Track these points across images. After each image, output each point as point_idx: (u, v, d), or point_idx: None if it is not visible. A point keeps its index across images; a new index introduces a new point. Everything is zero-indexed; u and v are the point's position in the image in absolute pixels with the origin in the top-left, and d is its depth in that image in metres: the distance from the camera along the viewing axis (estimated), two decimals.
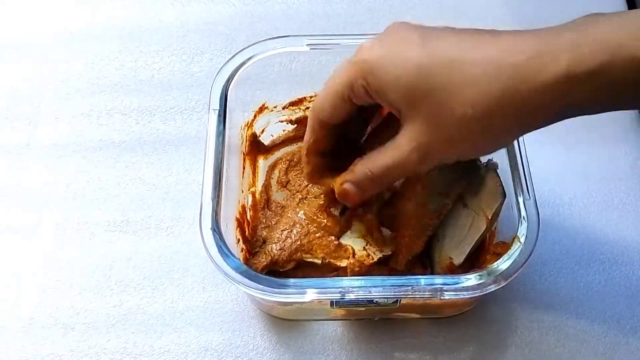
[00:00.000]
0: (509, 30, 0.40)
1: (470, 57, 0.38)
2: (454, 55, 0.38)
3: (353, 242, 0.52)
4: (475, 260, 0.53)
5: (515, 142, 0.52)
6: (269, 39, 0.56)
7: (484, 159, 0.55)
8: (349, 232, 0.52)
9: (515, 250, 0.47)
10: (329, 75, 0.45)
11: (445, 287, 0.46)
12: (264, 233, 0.56)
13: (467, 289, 0.46)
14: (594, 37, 0.37)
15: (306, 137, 0.48)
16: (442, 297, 0.47)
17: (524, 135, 0.52)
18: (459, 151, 0.42)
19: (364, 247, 0.51)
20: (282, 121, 0.61)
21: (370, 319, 0.56)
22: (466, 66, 0.38)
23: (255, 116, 0.60)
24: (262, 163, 0.62)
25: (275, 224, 0.56)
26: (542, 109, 0.38)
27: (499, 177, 0.51)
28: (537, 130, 0.66)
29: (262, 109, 0.60)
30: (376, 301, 0.50)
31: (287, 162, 0.60)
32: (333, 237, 0.52)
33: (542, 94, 0.37)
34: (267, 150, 0.62)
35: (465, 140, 0.40)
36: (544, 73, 0.37)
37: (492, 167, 0.52)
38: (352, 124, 0.47)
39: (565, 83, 0.37)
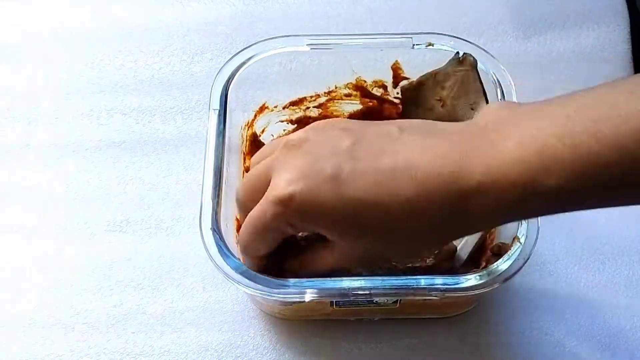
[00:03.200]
0: (417, 133, 0.41)
1: (392, 200, 0.39)
2: (376, 200, 0.39)
3: None
4: (475, 261, 0.53)
5: None
6: (269, 39, 0.56)
7: None
8: None
9: (515, 251, 0.47)
10: (248, 216, 0.44)
11: (445, 287, 0.46)
12: None
13: (467, 289, 0.46)
14: (509, 165, 0.37)
15: (250, 265, 0.48)
16: (442, 297, 0.47)
17: None
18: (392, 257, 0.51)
19: None
20: (282, 121, 0.61)
21: (370, 319, 0.56)
22: (392, 210, 0.39)
23: (255, 116, 0.60)
24: None
25: None
26: (474, 231, 0.44)
27: None
28: None
29: (262, 108, 0.60)
30: (376, 301, 0.50)
31: None
32: None
33: (469, 224, 0.40)
34: None
35: (399, 253, 0.47)
36: (466, 212, 0.38)
37: None
38: None
39: (487, 217, 0.39)
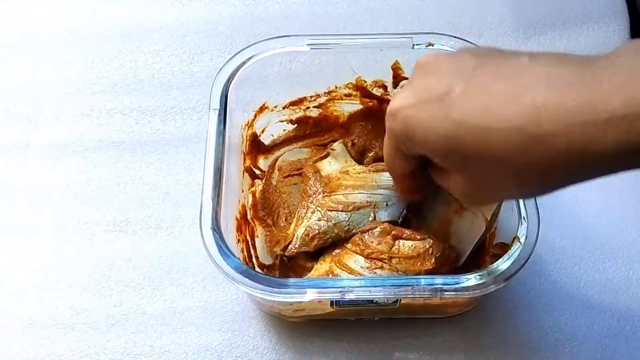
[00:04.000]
0: (544, 62, 0.35)
1: (500, 126, 0.35)
2: (481, 124, 0.35)
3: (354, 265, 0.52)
4: (475, 261, 0.53)
5: None
6: (269, 39, 0.56)
7: None
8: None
9: (515, 251, 0.47)
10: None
11: (445, 287, 0.46)
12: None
13: (467, 289, 0.46)
14: None
15: (397, 186, 0.49)
16: (442, 297, 0.47)
17: None
18: (500, 200, 0.47)
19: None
20: (282, 121, 0.61)
21: (370, 319, 0.56)
22: (496, 138, 0.35)
23: (255, 116, 0.60)
24: (263, 163, 0.62)
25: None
26: (588, 177, 0.36)
27: None
28: None
29: (262, 108, 0.60)
30: (376, 301, 0.50)
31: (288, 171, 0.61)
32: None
33: (589, 166, 0.34)
34: (267, 150, 0.62)
35: (505, 194, 0.41)
36: (587, 148, 0.33)
37: None
38: None
39: (616, 156, 0.33)
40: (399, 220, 0.54)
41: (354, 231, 0.53)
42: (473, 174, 0.38)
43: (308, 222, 0.54)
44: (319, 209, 0.54)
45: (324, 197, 0.54)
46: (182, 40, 0.72)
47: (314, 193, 0.55)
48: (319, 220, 0.53)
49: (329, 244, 0.53)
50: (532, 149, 0.34)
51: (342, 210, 0.53)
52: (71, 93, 0.69)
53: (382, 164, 0.54)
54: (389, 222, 0.53)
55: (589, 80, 0.33)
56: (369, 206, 0.53)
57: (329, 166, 0.57)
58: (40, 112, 0.68)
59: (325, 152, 0.58)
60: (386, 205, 0.54)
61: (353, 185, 0.54)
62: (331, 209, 0.53)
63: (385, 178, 0.54)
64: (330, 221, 0.53)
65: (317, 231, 0.53)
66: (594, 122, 0.32)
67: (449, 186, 0.42)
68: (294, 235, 0.54)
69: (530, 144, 0.34)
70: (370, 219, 0.54)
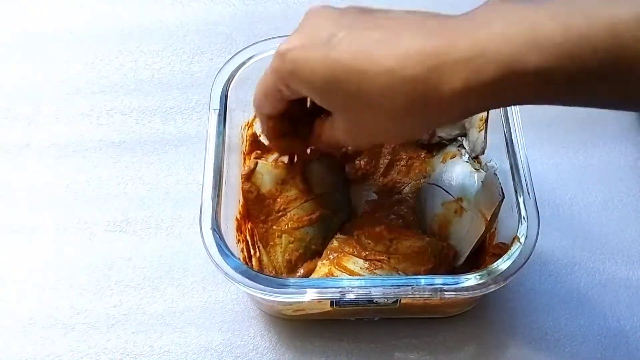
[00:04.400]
0: (417, 16, 0.40)
1: (372, 68, 0.38)
2: (357, 66, 0.39)
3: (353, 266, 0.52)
4: (475, 261, 0.53)
5: (516, 142, 0.52)
6: (269, 38, 0.56)
7: (483, 160, 0.55)
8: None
9: (515, 251, 0.47)
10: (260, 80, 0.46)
11: (445, 287, 0.46)
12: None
13: (467, 289, 0.46)
14: (492, 41, 0.36)
15: (262, 126, 0.50)
16: (442, 297, 0.47)
17: (524, 136, 0.52)
18: (379, 140, 0.50)
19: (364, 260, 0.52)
20: None
21: (370, 319, 0.56)
22: (369, 79, 0.38)
23: (255, 116, 0.60)
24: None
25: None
26: (449, 114, 0.40)
27: (498, 179, 0.51)
28: (537, 130, 0.66)
29: None
30: (376, 301, 0.50)
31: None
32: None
33: (445, 104, 0.38)
34: (267, 150, 0.61)
35: (383, 134, 0.43)
36: (441, 88, 0.37)
37: (490, 169, 0.52)
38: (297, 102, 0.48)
39: (464, 96, 0.37)
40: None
41: (330, 237, 0.54)
42: (352, 115, 0.41)
43: (281, 248, 0.54)
44: (285, 233, 0.54)
45: (280, 217, 0.55)
46: (182, 40, 0.72)
47: (267, 216, 0.55)
48: (291, 243, 0.54)
49: (314, 254, 0.54)
50: (399, 91, 0.38)
51: (308, 225, 0.54)
52: (71, 93, 0.69)
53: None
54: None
55: (447, 29, 0.38)
56: (328, 213, 0.54)
57: (264, 178, 0.55)
58: (40, 112, 0.68)
59: (252, 165, 0.56)
60: (341, 202, 0.56)
61: (299, 194, 0.54)
62: (296, 227, 0.54)
63: (316, 167, 0.55)
64: (303, 239, 0.54)
65: (296, 254, 0.54)
66: (447, 65, 0.36)
67: (332, 129, 0.45)
68: (276, 267, 0.55)
69: (398, 86, 0.37)
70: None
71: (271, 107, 0.46)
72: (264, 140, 0.61)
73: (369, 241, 0.52)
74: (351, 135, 0.43)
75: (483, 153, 0.54)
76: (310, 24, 0.42)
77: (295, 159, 0.55)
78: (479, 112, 0.42)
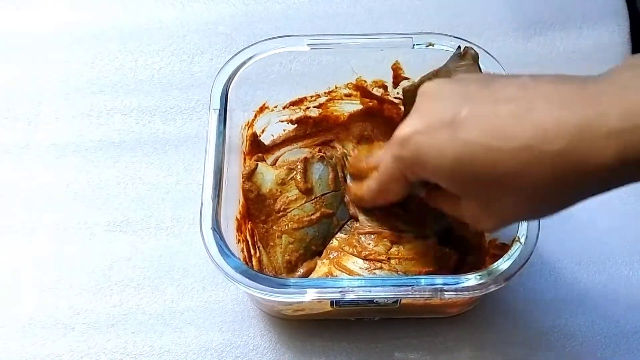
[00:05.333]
0: (546, 82, 0.36)
1: (508, 145, 0.35)
2: (490, 144, 0.36)
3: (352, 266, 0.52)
4: (475, 262, 0.53)
5: None
6: (269, 39, 0.56)
7: None
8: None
9: (515, 251, 0.47)
10: (378, 168, 0.45)
11: (445, 287, 0.46)
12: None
13: (467, 289, 0.46)
14: None
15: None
16: (442, 297, 0.47)
17: None
18: (515, 221, 0.45)
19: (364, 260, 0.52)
20: (282, 121, 0.61)
21: (370, 319, 0.56)
22: (505, 157, 0.36)
23: (255, 116, 0.60)
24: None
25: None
26: (598, 189, 0.36)
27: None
28: None
29: (262, 108, 0.60)
30: (376, 301, 0.50)
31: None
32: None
33: (595, 178, 0.35)
34: (267, 150, 0.62)
35: (517, 215, 0.41)
36: (590, 162, 0.34)
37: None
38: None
39: (618, 169, 0.33)
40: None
41: (330, 237, 0.54)
42: (484, 197, 0.39)
43: (281, 249, 0.54)
44: (285, 233, 0.54)
45: (280, 217, 0.55)
46: (182, 40, 0.72)
47: (267, 216, 0.55)
48: (291, 243, 0.54)
49: (314, 254, 0.54)
50: (539, 167, 0.35)
51: (308, 226, 0.54)
52: (71, 93, 0.69)
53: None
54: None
55: (589, 97, 0.34)
56: (329, 214, 0.54)
57: (264, 179, 0.56)
58: (40, 112, 0.68)
59: (252, 165, 0.56)
60: (341, 203, 0.55)
61: (299, 195, 0.54)
62: (296, 228, 0.54)
63: (317, 169, 0.55)
64: (303, 240, 0.54)
65: (296, 255, 0.54)
66: (596, 137, 0.33)
67: (461, 214, 0.42)
68: (275, 267, 0.55)
69: (538, 162, 0.35)
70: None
71: (394, 194, 0.45)
72: (264, 140, 0.61)
73: (369, 241, 0.52)
74: (480, 218, 0.41)
75: None
76: (427, 105, 0.40)
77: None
78: (633, 183, 0.36)
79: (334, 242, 0.53)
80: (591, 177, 0.34)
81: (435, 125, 0.38)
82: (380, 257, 0.51)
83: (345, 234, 0.54)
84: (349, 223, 0.56)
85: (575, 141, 0.34)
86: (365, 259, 0.51)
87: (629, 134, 0.32)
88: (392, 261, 0.50)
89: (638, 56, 0.36)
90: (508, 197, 0.37)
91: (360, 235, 0.53)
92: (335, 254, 0.52)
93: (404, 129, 0.40)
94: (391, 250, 0.51)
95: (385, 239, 0.52)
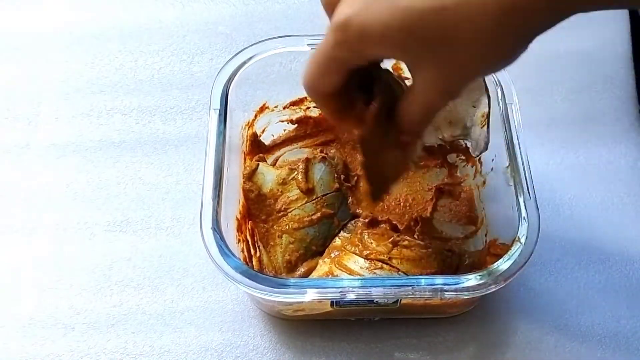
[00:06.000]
0: None
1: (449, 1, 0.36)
2: (434, 3, 0.36)
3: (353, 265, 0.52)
4: (475, 262, 0.54)
5: (515, 143, 0.52)
6: (269, 39, 0.56)
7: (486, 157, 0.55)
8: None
9: (515, 251, 0.47)
10: (312, 53, 0.42)
11: (445, 287, 0.46)
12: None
13: (467, 289, 0.46)
14: None
15: (322, 109, 0.46)
16: (442, 297, 0.47)
17: (524, 136, 0.52)
18: (475, 76, 0.43)
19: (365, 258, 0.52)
20: (282, 121, 0.61)
21: (370, 319, 0.56)
22: (452, 12, 0.36)
23: (256, 116, 0.60)
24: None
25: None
26: (541, 20, 0.39)
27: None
28: (537, 130, 0.66)
29: (262, 108, 0.60)
30: (376, 301, 0.50)
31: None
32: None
33: (536, 11, 0.37)
34: (267, 149, 0.62)
35: (477, 68, 0.40)
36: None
37: None
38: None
39: None
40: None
41: (331, 238, 0.54)
42: (439, 59, 0.38)
43: (281, 248, 0.54)
44: (286, 233, 0.54)
45: (281, 217, 0.55)
46: (182, 40, 0.72)
47: (267, 216, 0.55)
48: (291, 243, 0.54)
49: (314, 254, 0.55)
50: (485, 13, 0.35)
51: (308, 226, 0.54)
52: (71, 93, 0.69)
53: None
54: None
55: None
56: (330, 214, 0.54)
57: (265, 178, 0.56)
58: (40, 112, 0.68)
59: (253, 165, 0.57)
60: (342, 203, 0.56)
61: (300, 195, 0.54)
62: (297, 228, 0.54)
63: (318, 169, 0.55)
64: (304, 240, 0.54)
65: (296, 255, 0.54)
66: None
67: (421, 87, 0.41)
68: (275, 267, 0.55)
69: (483, 8, 0.35)
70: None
71: (330, 82, 0.42)
72: (264, 140, 0.61)
73: (372, 240, 0.52)
74: (441, 86, 0.40)
75: (487, 149, 0.54)
76: None
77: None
78: (568, 16, 0.39)
79: (337, 241, 0.53)
80: (534, 10, 0.36)
81: (373, 1, 0.38)
82: (382, 257, 0.51)
83: (348, 233, 0.54)
84: (352, 222, 0.56)
85: None
86: (366, 258, 0.51)
87: None
88: (394, 261, 0.51)
89: None
90: (462, 50, 0.38)
91: (363, 235, 0.53)
92: (337, 253, 0.52)
93: (342, 12, 0.39)
94: (393, 250, 0.51)
95: (388, 240, 0.52)
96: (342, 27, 0.39)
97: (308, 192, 0.55)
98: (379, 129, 0.44)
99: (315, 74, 0.42)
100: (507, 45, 0.39)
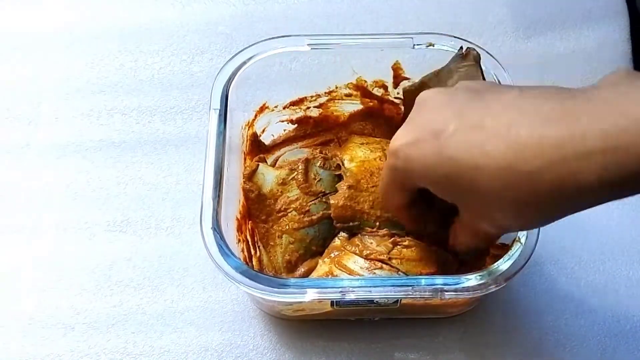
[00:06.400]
0: (531, 96, 0.37)
1: (488, 164, 0.36)
2: (473, 163, 0.37)
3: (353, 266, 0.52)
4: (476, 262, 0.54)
5: None
6: (269, 38, 0.56)
7: None
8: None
9: (515, 251, 0.47)
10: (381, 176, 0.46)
11: (445, 288, 0.46)
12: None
13: (467, 289, 0.46)
14: (627, 130, 0.32)
15: (402, 221, 0.50)
16: (442, 298, 0.47)
17: None
18: (508, 231, 0.44)
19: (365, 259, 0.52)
20: (282, 121, 0.61)
21: (370, 319, 0.56)
22: (487, 175, 0.36)
23: (256, 116, 0.60)
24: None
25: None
26: (579, 208, 0.37)
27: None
28: None
29: (262, 108, 0.60)
30: (376, 301, 0.50)
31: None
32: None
33: (574, 198, 0.35)
34: (268, 150, 0.62)
35: (507, 226, 0.41)
36: (569, 182, 0.34)
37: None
38: None
39: (597, 189, 0.34)
40: None
41: (331, 238, 0.54)
42: (472, 208, 0.40)
43: (281, 249, 0.54)
44: (286, 233, 0.54)
45: (281, 217, 0.55)
46: (182, 40, 0.72)
47: (268, 216, 0.55)
48: (291, 243, 0.54)
49: (314, 254, 0.54)
50: (521, 185, 0.35)
51: (308, 226, 0.54)
52: (71, 93, 0.69)
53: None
54: None
55: (570, 115, 0.34)
56: (330, 214, 0.54)
57: (265, 179, 0.56)
58: (40, 112, 0.68)
59: (253, 165, 0.56)
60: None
61: (300, 195, 0.54)
62: (297, 228, 0.54)
63: (322, 171, 0.55)
64: (304, 240, 0.54)
65: (296, 255, 0.54)
66: (575, 157, 0.33)
67: (462, 226, 0.44)
68: (275, 267, 0.55)
69: (519, 180, 0.35)
70: None
71: (399, 199, 0.45)
72: (264, 140, 0.61)
73: (372, 240, 0.52)
74: (470, 226, 0.43)
75: None
76: (419, 115, 0.41)
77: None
78: (616, 199, 0.37)
79: (337, 241, 0.53)
80: (572, 195, 0.35)
81: (424, 138, 0.39)
82: (382, 257, 0.51)
83: (348, 234, 0.54)
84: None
85: (553, 161, 0.34)
86: (366, 258, 0.51)
87: (608, 155, 0.33)
88: (394, 261, 0.50)
89: (620, 71, 0.36)
90: (493, 210, 0.39)
91: (364, 235, 0.53)
92: (337, 253, 0.52)
93: (396, 139, 0.41)
94: (393, 251, 0.51)
95: (388, 240, 0.52)
96: (394, 154, 0.41)
97: (308, 192, 0.55)
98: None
99: (382, 192, 0.46)
100: (539, 216, 0.39)
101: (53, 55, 0.71)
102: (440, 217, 0.48)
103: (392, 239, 0.52)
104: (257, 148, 0.60)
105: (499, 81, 0.54)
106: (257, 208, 0.55)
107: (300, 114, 0.61)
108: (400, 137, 0.41)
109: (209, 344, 0.56)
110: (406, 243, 0.51)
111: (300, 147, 0.62)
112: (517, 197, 0.36)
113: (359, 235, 0.53)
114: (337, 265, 0.51)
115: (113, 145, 0.66)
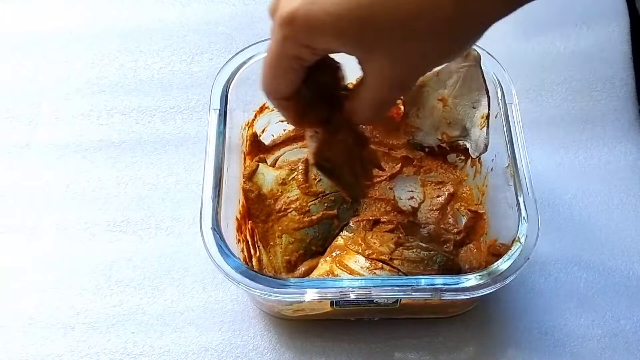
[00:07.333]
0: None
1: None
2: None
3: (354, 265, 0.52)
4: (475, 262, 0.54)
5: (516, 142, 0.52)
6: (269, 39, 0.55)
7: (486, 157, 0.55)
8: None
9: (515, 251, 0.47)
10: (267, 54, 0.41)
11: (445, 288, 0.46)
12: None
13: (467, 289, 0.46)
14: None
15: (281, 112, 0.45)
16: (442, 298, 0.47)
17: (524, 136, 0.52)
18: (428, 68, 0.42)
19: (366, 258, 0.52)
20: (282, 121, 0.61)
21: (370, 319, 0.56)
22: (402, 2, 0.35)
23: (255, 116, 0.60)
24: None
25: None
26: (492, 12, 0.37)
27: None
28: (537, 130, 0.66)
29: (262, 108, 0.60)
30: (376, 301, 0.50)
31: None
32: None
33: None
34: (267, 149, 0.62)
35: (426, 59, 0.39)
36: None
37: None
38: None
39: None
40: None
41: (331, 238, 0.54)
42: (389, 50, 0.37)
43: (281, 248, 0.54)
44: (286, 233, 0.54)
45: (281, 217, 0.55)
46: (182, 40, 0.72)
47: (267, 216, 0.55)
48: (291, 243, 0.54)
49: (314, 254, 0.55)
50: (434, 4, 0.35)
51: (308, 226, 0.54)
52: (71, 93, 0.69)
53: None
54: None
55: None
56: (330, 214, 0.54)
57: (265, 179, 0.56)
58: (40, 112, 0.68)
59: (253, 165, 0.56)
60: (342, 204, 0.55)
61: (300, 195, 0.54)
62: (297, 228, 0.54)
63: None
64: (304, 240, 0.54)
65: (296, 255, 0.54)
66: None
67: (372, 81, 0.40)
68: (275, 267, 0.55)
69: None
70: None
71: (287, 83, 0.41)
72: (264, 140, 0.61)
73: (375, 240, 0.52)
74: (395, 79, 0.39)
75: (486, 150, 0.55)
76: None
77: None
78: (522, 5, 0.37)
79: (339, 240, 0.53)
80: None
81: None
82: (383, 257, 0.51)
83: (351, 233, 0.54)
84: (354, 222, 0.56)
85: None
86: (368, 257, 0.51)
87: None
88: (395, 262, 0.51)
89: None
90: (412, 40, 0.37)
91: (367, 234, 0.53)
92: (339, 252, 0.52)
93: (285, 7, 0.37)
94: (395, 252, 0.51)
95: (391, 240, 0.52)
96: (288, 21, 0.37)
97: (308, 192, 0.55)
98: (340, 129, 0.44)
99: (270, 76, 0.41)
100: (464, 35, 0.38)
101: (53, 55, 0.71)
102: (323, 105, 0.44)
103: (396, 239, 0.52)
104: (257, 148, 0.60)
105: (498, 81, 0.54)
106: (257, 208, 0.55)
107: None
108: (289, 3, 0.37)
109: (209, 344, 0.56)
110: (408, 244, 0.52)
111: (300, 147, 0.62)
112: (435, 15, 0.35)
113: (362, 234, 0.53)
114: (337, 265, 0.51)
115: (113, 145, 0.66)
